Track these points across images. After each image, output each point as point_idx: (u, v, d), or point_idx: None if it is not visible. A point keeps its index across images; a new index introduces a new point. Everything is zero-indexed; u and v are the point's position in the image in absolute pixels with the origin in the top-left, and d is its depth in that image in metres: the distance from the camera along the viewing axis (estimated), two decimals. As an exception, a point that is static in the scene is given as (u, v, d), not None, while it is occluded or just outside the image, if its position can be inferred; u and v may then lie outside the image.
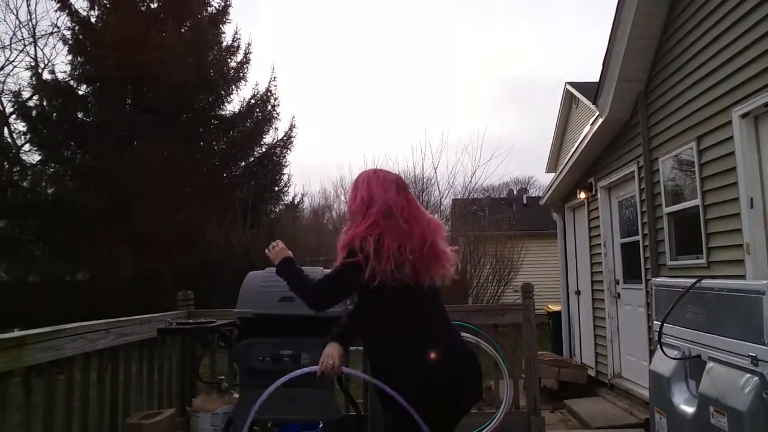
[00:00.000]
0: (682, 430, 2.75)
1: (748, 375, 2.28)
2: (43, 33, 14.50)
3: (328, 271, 2.24)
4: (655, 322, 3.18)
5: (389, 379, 2.03)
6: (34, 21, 14.25)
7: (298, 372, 2.21)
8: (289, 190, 15.91)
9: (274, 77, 15.48)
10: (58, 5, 14.12)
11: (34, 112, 13.97)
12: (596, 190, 6.85)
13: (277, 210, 15.75)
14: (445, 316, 2.17)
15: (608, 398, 6.16)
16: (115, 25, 13.19)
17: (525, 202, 19.26)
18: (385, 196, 2.12)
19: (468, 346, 2.20)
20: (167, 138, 13.22)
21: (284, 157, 15.53)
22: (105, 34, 13.26)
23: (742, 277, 3.76)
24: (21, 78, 21.71)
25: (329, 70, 46.70)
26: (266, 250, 2.38)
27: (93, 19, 14.53)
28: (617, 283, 6.44)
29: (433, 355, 1.99)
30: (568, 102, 13.46)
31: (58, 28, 14.27)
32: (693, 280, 2.83)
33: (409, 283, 2.02)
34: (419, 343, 2.04)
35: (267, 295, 3.29)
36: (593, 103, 6.19)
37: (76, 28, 14.28)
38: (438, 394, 1.98)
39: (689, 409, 2.71)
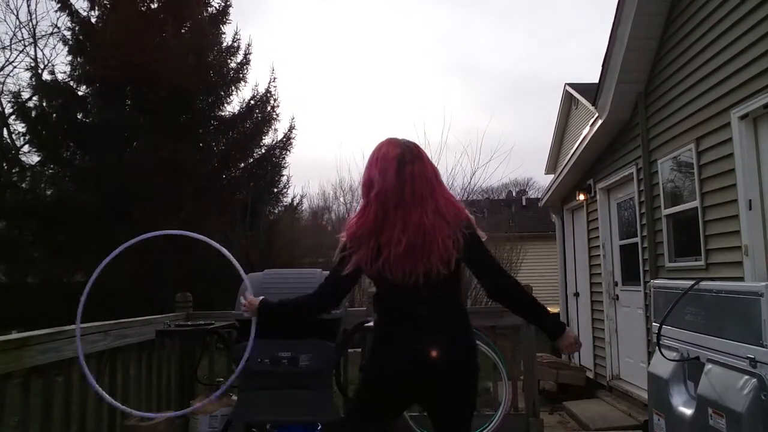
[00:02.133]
0: (681, 432, 2.75)
1: (747, 377, 2.28)
2: (43, 33, 14.49)
3: (327, 273, 2.27)
4: (653, 323, 3.18)
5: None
6: (34, 21, 14.24)
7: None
8: (288, 192, 15.87)
9: (274, 78, 15.44)
10: (59, 5, 14.09)
11: (33, 113, 13.93)
12: (595, 192, 6.85)
13: (276, 211, 15.72)
14: (431, 312, 1.99)
15: (607, 400, 6.15)
16: (115, 25, 13.17)
17: (524, 203, 19.27)
18: (382, 180, 1.95)
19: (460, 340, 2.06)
20: (167, 139, 13.19)
21: (283, 158, 15.50)
22: (105, 35, 13.23)
23: (741, 278, 3.76)
24: (21, 78, 21.69)
25: (329, 69, 46.80)
26: (243, 313, 2.48)
27: (93, 20, 14.50)
28: (616, 284, 6.44)
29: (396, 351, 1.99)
30: (568, 103, 13.45)
31: (59, 28, 14.24)
32: (691, 282, 2.84)
33: (382, 276, 1.97)
34: (382, 336, 2.08)
35: (266, 297, 3.29)
36: (593, 104, 6.18)
37: (77, 28, 14.25)
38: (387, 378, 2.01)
39: (688, 411, 2.71)
